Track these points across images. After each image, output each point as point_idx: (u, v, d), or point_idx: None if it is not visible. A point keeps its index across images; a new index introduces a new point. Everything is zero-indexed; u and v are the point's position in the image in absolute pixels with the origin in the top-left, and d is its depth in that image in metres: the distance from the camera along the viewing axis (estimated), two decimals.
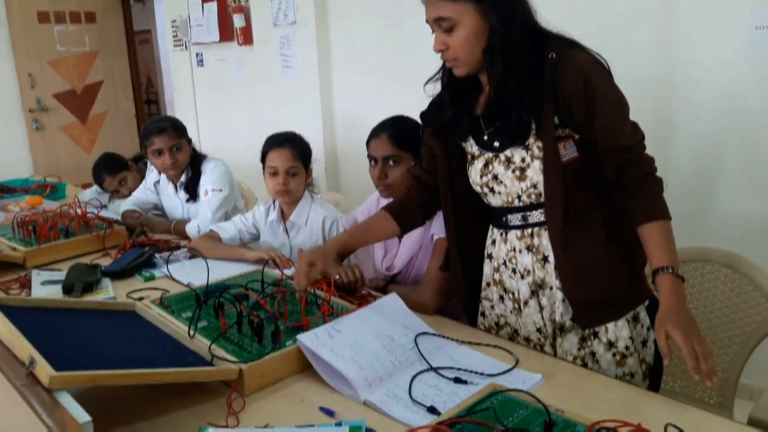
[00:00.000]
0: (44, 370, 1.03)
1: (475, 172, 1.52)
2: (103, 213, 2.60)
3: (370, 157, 1.90)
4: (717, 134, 2.37)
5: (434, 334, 1.51)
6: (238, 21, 4.11)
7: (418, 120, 1.96)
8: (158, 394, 1.28)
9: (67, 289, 1.85)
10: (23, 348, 1.11)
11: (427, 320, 1.59)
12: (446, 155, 1.58)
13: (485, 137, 1.49)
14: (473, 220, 1.60)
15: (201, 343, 1.41)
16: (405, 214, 1.70)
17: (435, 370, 1.35)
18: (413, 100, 2.99)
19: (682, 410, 1.19)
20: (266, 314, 1.50)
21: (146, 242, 2.32)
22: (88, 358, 1.25)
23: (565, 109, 1.35)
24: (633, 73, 2.23)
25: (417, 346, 1.42)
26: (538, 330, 1.51)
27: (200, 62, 4.74)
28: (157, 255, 2.18)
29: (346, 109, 3.60)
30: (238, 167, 3.13)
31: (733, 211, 2.33)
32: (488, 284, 1.60)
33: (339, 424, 1.17)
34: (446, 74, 1.53)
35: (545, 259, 1.46)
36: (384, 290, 1.83)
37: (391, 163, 1.86)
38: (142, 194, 2.88)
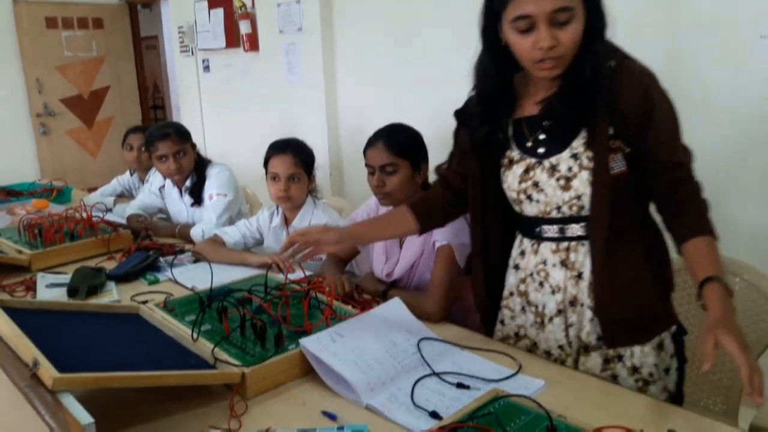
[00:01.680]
0: (48, 372, 1.04)
1: (512, 177, 1.43)
2: (109, 217, 2.61)
3: (368, 165, 1.90)
4: (725, 144, 2.37)
5: (437, 339, 1.51)
6: (244, 27, 4.13)
7: (416, 128, 1.98)
8: (161, 397, 1.28)
9: (72, 292, 1.86)
10: (27, 350, 1.11)
11: (430, 325, 1.59)
12: (479, 156, 1.50)
13: (528, 143, 1.41)
14: (501, 227, 1.53)
15: (204, 347, 1.41)
16: (426, 213, 1.62)
17: (437, 375, 1.35)
18: (419, 107, 3.02)
19: (685, 417, 1.20)
20: (269, 318, 1.51)
21: (151, 246, 2.33)
22: (91, 360, 1.26)
23: (621, 119, 1.30)
24: None
25: (420, 351, 1.42)
26: (560, 347, 1.45)
27: (206, 68, 4.77)
28: (161, 259, 2.19)
29: (351, 116, 3.62)
30: (244, 172, 3.15)
31: (743, 220, 2.33)
32: (511, 293, 1.53)
33: (341, 428, 1.17)
34: (484, 83, 1.43)
35: (579, 276, 1.39)
36: (384, 296, 1.83)
37: (388, 171, 1.86)
38: (147, 198, 2.89)
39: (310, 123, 3.72)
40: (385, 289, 1.86)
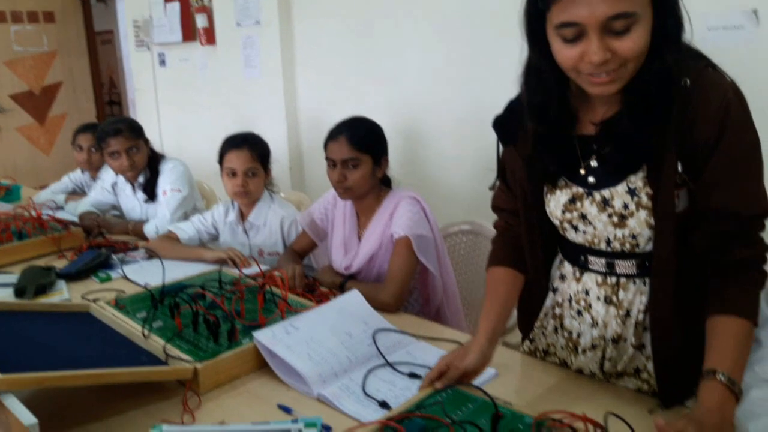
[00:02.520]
0: None
1: (555, 205, 1.22)
2: (60, 214, 2.54)
3: (329, 159, 1.88)
4: None
5: (394, 330, 1.51)
6: (200, 21, 4.06)
7: (377, 121, 1.98)
8: (112, 395, 1.26)
9: (19, 292, 1.81)
10: None
11: (387, 315, 1.59)
12: (526, 171, 1.25)
13: (581, 170, 1.17)
14: (548, 245, 1.31)
15: (156, 343, 1.39)
16: (519, 258, 1.33)
17: (390, 365, 1.35)
18: (379, 100, 3.02)
19: (633, 401, 1.22)
20: (222, 313, 1.49)
21: (103, 243, 2.29)
22: (37, 360, 1.23)
23: (693, 149, 1.05)
24: None
25: (375, 342, 1.43)
26: (591, 374, 1.31)
27: (162, 62, 4.67)
28: (113, 256, 2.15)
29: (310, 109, 3.59)
30: (201, 168, 3.11)
31: None
32: (545, 315, 1.36)
33: (294, 421, 1.16)
34: (541, 94, 1.14)
35: (628, 314, 1.21)
36: (342, 288, 1.83)
37: (350, 166, 1.85)
38: (100, 195, 2.83)
39: (269, 117, 3.69)
40: (342, 282, 1.86)
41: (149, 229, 2.46)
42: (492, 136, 1.31)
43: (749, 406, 1.04)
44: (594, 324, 1.25)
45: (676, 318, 1.14)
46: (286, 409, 1.23)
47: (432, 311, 1.96)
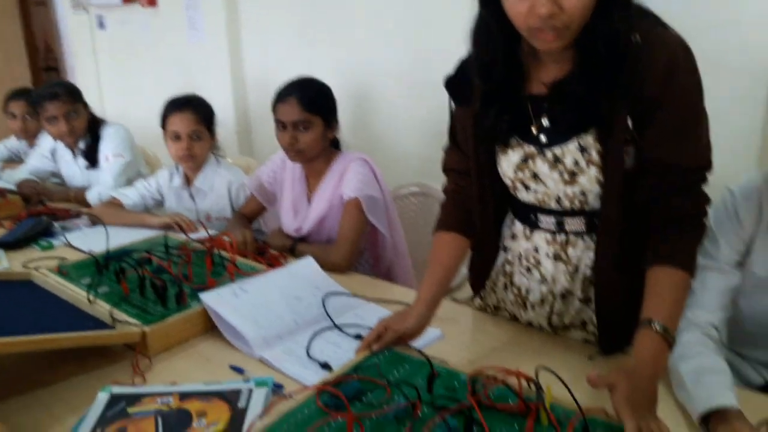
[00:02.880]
0: None
1: (507, 165, 1.23)
2: None
3: (279, 121, 1.84)
4: None
5: (344, 293, 1.53)
6: None
7: (327, 82, 1.95)
8: (59, 362, 1.24)
9: None
10: None
11: (341, 279, 1.60)
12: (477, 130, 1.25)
13: (533, 129, 1.18)
14: (499, 206, 1.32)
15: (102, 308, 1.37)
16: (467, 221, 1.33)
17: (337, 327, 1.37)
18: (328, 63, 2.98)
19: (578, 351, 1.26)
20: (170, 277, 1.48)
21: (43, 211, 2.22)
22: None
23: (641, 107, 1.07)
24: None
25: (323, 305, 1.44)
26: (540, 327, 1.35)
27: (101, 25, 4.49)
28: (55, 224, 2.08)
29: (257, 72, 3.52)
30: (145, 134, 3.02)
31: None
32: (496, 273, 1.39)
33: (246, 381, 1.17)
34: (489, 53, 1.15)
35: (576, 270, 1.24)
36: (292, 251, 1.83)
37: (301, 128, 1.82)
38: (38, 162, 2.73)
39: (215, 80, 3.60)
40: (293, 245, 1.86)
41: (92, 196, 2.40)
42: (444, 99, 1.31)
43: (681, 350, 1.10)
44: (543, 280, 1.28)
45: (619, 273, 1.17)
46: (238, 370, 1.24)
47: (382, 271, 1.98)
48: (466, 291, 1.53)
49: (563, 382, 0.90)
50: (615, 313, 1.21)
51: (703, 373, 1.04)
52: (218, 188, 2.21)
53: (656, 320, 1.00)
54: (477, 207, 1.31)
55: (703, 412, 0.97)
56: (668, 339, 1.00)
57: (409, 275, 2.02)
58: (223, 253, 1.64)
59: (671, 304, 1.04)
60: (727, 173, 1.21)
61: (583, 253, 1.22)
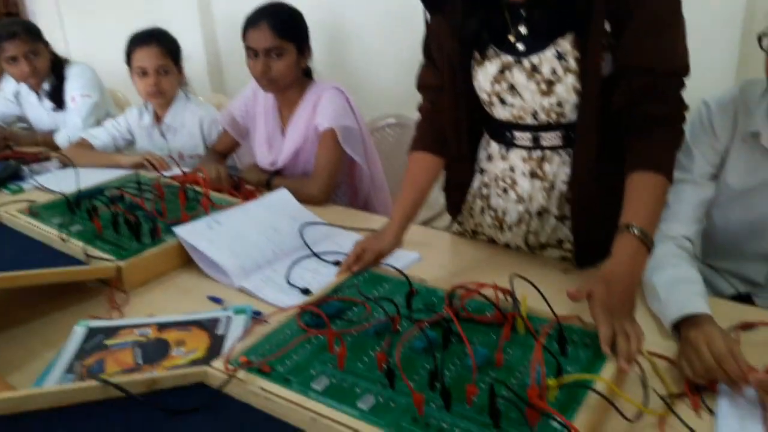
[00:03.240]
0: None
1: (484, 78, 1.21)
2: None
3: (249, 48, 1.76)
4: None
5: (322, 223, 1.52)
6: None
7: (298, 7, 1.87)
8: (34, 299, 1.23)
9: None
10: None
11: (318, 211, 1.59)
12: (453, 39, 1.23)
13: (510, 37, 1.16)
14: (473, 127, 1.32)
15: (75, 246, 1.35)
16: (441, 141, 1.33)
17: (316, 255, 1.36)
18: None
19: (553, 267, 1.28)
20: (144, 213, 1.46)
21: (11, 155, 2.16)
22: None
23: (618, 10, 1.06)
24: None
25: (301, 235, 1.43)
26: (517, 248, 1.37)
27: None
28: (24, 167, 2.03)
29: (225, 5, 3.40)
30: (112, 75, 2.91)
31: None
32: (473, 196, 1.39)
33: (224, 310, 1.17)
34: None
35: (552, 186, 1.24)
36: (268, 185, 1.81)
37: (274, 55, 1.75)
38: (2, 106, 2.65)
39: (183, 18, 3.47)
40: (268, 179, 1.84)
41: (61, 139, 2.34)
42: (418, 29, 1.29)
43: (655, 262, 1.11)
44: (519, 200, 1.28)
45: (595, 186, 1.18)
46: (217, 300, 1.24)
47: (360, 204, 1.97)
48: (445, 220, 1.53)
49: (538, 289, 0.91)
50: (590, 227, 1.23)
51: (677, 283, 1.05)
52: (189, 125, 2.16)
53: (634, 224, 0.99)
54: (451, 124, 1.30)
55: (676, 319, 0.99)
56: (647, 243, 0.99)
57: (388, 207, 2.01)
58: (197, 188, 1.61)
59: (649, 209, 1.03)
60: (705, 88, 1.20)
61: (559, 168, 1.22)
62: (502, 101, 1.21)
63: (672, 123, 1.09)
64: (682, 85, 1.09)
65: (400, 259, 1.30)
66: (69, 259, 1.33)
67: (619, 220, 1.02)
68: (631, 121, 1.09)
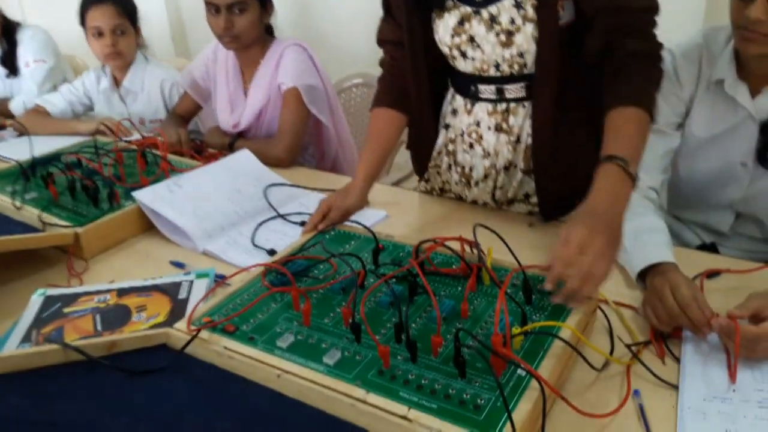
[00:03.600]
0: None
1: (444, 30, 1.20)
2: None
3: (210, 4, 1.69)
4: None
5: (287, 185, 1.49)
6: None
7: None
8: None
9: None
10: None
11: (284, 173, 1.56)
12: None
13: None
14: (438, 80, 1.30)
15: (30, 214, 1.31)
16: (404, 97, 1.31)
17: (282, 216, 1.34)
18: None
19: (520, 221, 1.27)
20: (101, 179, 1.41)
21: None
22: None
23: None
24: None
25: (265, 196, 1.40)
26: (484, 204, 1.37)
27: None
28: None
29: None
30: (71, 40, 2.81)
31: None
32: (439, 153, 1.36)
33: (187, 274, 1.14)
34: None
35: (518, 140, 1.23)
36: (231, 147, 1.76)
37: (236, 10, 1.68)
38: None
39: None
40: (231, 141, 1.79)
41: (16, 106, 2.25)
42: None
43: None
44: (486, 155, 1.27)
45: (555, 137, 1.18)
46: (179, 265, 1.21)
47: (328, 165, 1.94)
48: (414, 181, 1.52)
49: (503, 239, 0.91)
50: (553, 179, 1.22)
51: (642, 233, 1.05)
52: (149, 88, 2.09)
53: (616, 154, 0.94)
54: (412, 79, 1.27)
55: (641, 269, 0.99)
56: (629, 171, 0.93)
57: (355, 167, 1.98)
58: (156, 152, 1.56)
59: (631, 140, 0.98)
60: (674, 32, 1.17)
61: (524, 121, 1.21)
62: (464, 54, 1.19)
63: (652, 60, 1.06)
64: (655, 24, 1.06)
65: (367, 218, 1.28)
66: (24, 227, 1.29)
67: (601, 155, 0.96)
68: (610, 60, 1.06)
